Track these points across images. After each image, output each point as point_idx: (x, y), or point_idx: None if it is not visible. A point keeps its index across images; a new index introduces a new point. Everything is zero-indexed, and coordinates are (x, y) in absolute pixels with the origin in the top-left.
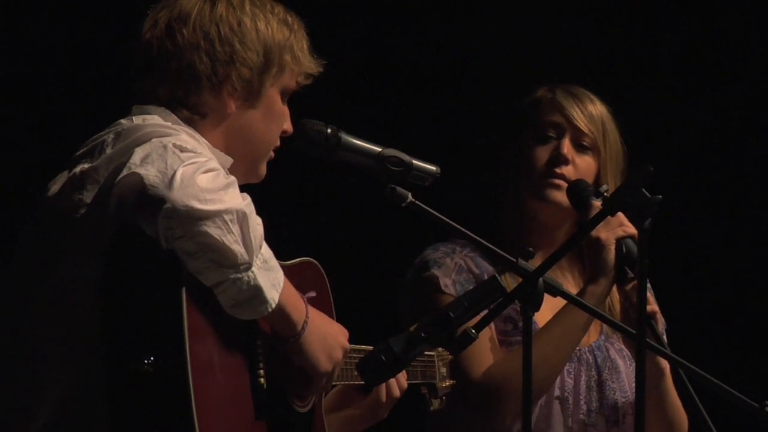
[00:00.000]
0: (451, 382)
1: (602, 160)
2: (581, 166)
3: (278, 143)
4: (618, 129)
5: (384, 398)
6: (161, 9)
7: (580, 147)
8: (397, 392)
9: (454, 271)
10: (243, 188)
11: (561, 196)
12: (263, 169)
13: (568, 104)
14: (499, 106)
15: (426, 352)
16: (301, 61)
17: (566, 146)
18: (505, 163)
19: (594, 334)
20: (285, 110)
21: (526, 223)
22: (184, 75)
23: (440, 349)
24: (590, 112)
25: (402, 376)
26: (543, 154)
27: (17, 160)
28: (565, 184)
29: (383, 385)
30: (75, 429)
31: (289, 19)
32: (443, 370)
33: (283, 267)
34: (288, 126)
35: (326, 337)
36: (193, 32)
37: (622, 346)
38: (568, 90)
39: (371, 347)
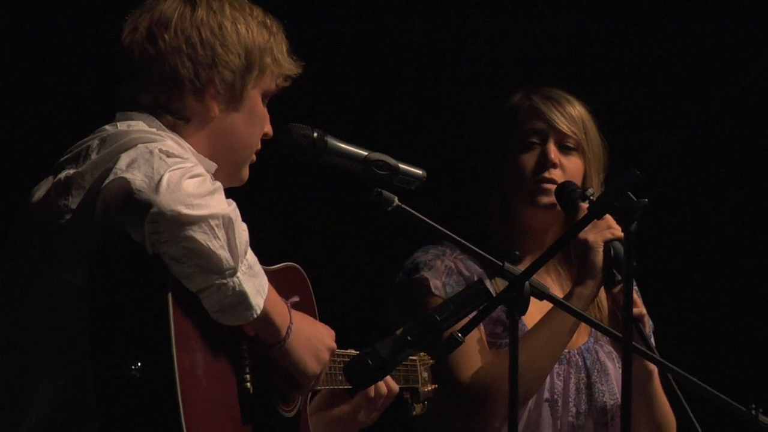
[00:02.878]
0: (433, 386)
1: (587, 159)
2: (569, 167)
3: (260, 146)
4: (596, 125)
5: (372, 394)
6: (141, 13)
7: (564, 149)
8: (384, 389)
9: (444, 273)
10: (228, 193)
11: (553, 200)
12: (246, 173)
13: (548, 109)
14: (481, 112)
15: (409, 357)
16: (281, 63)
17: (552, 150)
18: (490, 171)
19: (583, 337)
20: (266, 113)
21: (515, 229)
22: (166, 80)
23: (422, 353)
24: (570, 113)
25: (391, 380)
26: (529, 160)
27: (1, 165)
28: (555, 188)
29: (371, 387)
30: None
31: (268, 21)
32: (425, 374)
33: (266, 272)
34: (269, 128)
35: (312, 339)
36: (175, 37)
37: (611, 349)
38: (544, 94)
39: (356, 352)
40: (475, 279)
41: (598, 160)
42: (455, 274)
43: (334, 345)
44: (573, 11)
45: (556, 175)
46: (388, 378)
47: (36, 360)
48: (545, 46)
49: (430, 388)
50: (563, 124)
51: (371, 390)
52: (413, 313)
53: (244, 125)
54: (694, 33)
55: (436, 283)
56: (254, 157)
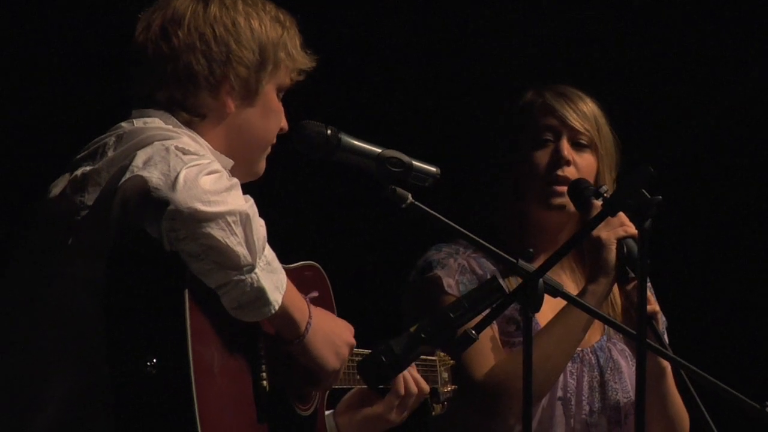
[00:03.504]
0: (453, 386)
1: (600, 156)
2: (582, 164)
3: (275, 140)
4: (608, 122)
5: (402, 391)
6: (154, 11)
7: (578, 145)
8: (414, 389)
9: (457, 271)
10: (246, 190)
11: (565, 201)
12: (262, 166)
13: (560, 106)
14: (494, 109)
15: (428, 357)
16: (295, 58)
17: (565, 147)
18: (503, 168)
19: (596, 335)
20: (281, 107)
21: (528, 227)
22: (181, 77)
23: (442, 354)
24: (582, 110)
25: (421, 379)
26: (542, 158)
27: (20, 162)
28: (567, 188)
29: (400, 382)
30: (78, 429)
31: (281, 16)
32: (445, 375)
33: (285, 270)
34: (284, 123)
35: (331, 335)
36: (188, 34)
37: (624, 346)
38: (557, 91)
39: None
40: (488, 277)
41: (611, 157)
42: (468, 272)
43: (353, 340)
44: (583, 7)
45: (570, 172)
46: (419, 377)
47: (50, 356)
48: (559, 43)
49: (449, 388)
50: (576, 121)
51: (401, 388)
52: (426, 311)
53: (259, 120)
54: (706, 29)
55: (449, 282)
56: (269, 150)
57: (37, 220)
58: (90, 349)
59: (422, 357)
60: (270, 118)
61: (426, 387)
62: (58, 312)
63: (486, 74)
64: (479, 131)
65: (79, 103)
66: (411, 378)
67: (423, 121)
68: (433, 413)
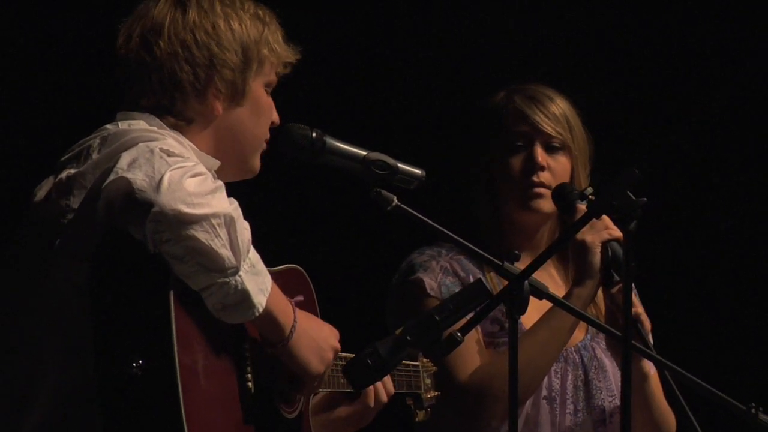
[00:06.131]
0: (436, 393)
1: (574, 157)
2: (556, 168)
3: (268, 135)
4: (580, 118)
5: (372, 403)
6: (132, 22)
7: (551, 148)
8: (384, 397)
9: (439, 274)
10: (230, 192)
11: (544, 204)
12: (257, 164)
13: (531, 111)
14: (467, 110)
15: (411, 363)
16: (279, 53)
17: (539, 153)
18: (479, 171)
19: (580, 334)
20: (270, 102)
21: (507, 228)
22: (166, 85)
23: (425, 360)
24: (554, 113)
25: (389, 382)
26: (516, 163)
27: (2, 166)
28: (546, 192)
29: (371, 391)
30: (67, 430)
31: (260, 12)
32: (428, 381)
33: (269, 273)
34: (275, 117)
35: (316, 338)
36: (170, 42)
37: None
38: (527, 94)
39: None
40: (470, 279)
41: (584, 154)
42: (451, 274)
43: (338, 345)
44: (569, 6)
45: (545, 177)
46: (387, 378)
47: (40, 359)
48: (542, 43)
49: (432, 394)
50: (548, 126)
51: (370, 400)
52: (409, 314)
53: (248, 118)
54: (695, 29)
55: (431, 284)
56: (264, 145)
57: (22, 224)
58: (79, 351)
59: (406, 362)
60: (260, 115)
61: (391, 388)
62: (46, 315)
63: (470, 74)
64: (457, 133)
65: (64, 105)
66: (381, 388)
67: (408, 123)
68: (417, 419)
